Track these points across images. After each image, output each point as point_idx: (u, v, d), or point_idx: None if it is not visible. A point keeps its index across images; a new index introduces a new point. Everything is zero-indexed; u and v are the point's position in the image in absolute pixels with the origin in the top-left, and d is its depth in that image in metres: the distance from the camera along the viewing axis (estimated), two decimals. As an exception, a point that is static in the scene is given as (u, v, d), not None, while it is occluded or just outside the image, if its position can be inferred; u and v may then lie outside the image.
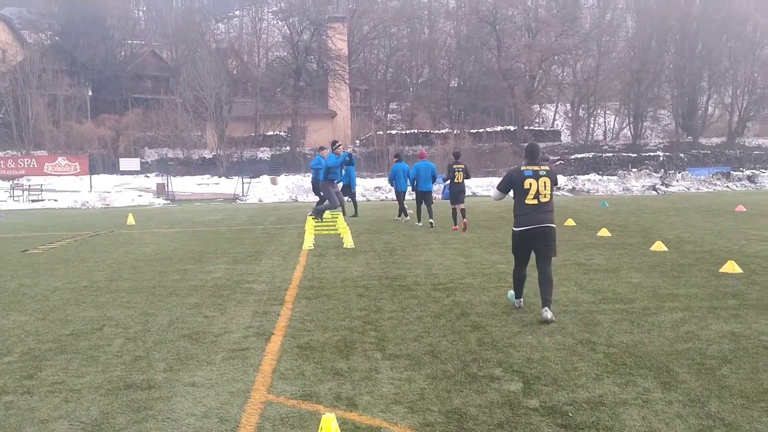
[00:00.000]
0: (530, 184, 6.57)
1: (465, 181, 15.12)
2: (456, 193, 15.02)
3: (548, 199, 6.63)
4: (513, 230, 6.81)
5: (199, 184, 40.19)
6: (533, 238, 6.63)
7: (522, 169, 6.71)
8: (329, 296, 7.70)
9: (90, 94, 56.02)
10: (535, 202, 6.58)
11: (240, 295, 7.91)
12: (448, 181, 15.18)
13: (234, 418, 4.09)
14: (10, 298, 8.01)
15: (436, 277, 8.86)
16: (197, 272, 9.62)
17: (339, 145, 15.30)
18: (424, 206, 15.90)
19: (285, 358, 5.31)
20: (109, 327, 6.45)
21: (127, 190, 35.58)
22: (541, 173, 6.63)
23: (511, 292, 7.17)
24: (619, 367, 4.91)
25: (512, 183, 6.73)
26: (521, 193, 6.64)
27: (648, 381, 4.60)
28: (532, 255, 6.76)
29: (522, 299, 7.03)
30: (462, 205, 14.98)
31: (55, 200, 30.44)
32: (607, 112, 63.34)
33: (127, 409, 4.27)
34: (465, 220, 14.75)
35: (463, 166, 15.17)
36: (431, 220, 15.57)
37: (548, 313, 6.38)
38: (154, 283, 8.83)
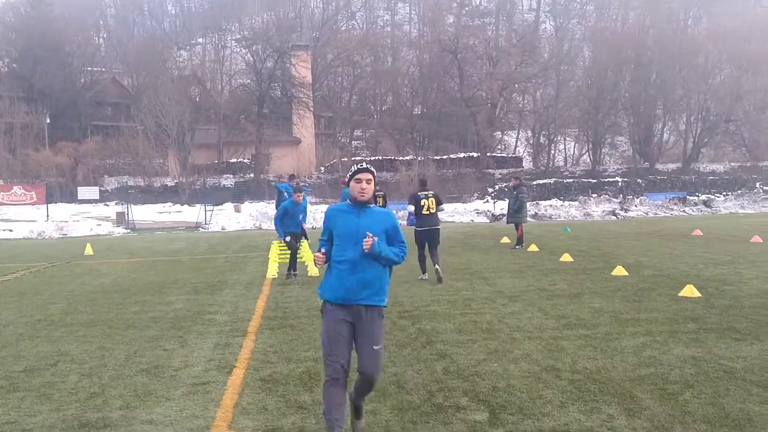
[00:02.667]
0: (424, 203, 11.00)
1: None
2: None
3: (434, 211, 11.07)
4: (416, 229, 11.10)
5: (160, 213, 39.50)
6: (427, 234, 10.98)
7: (419, 193, 11.16)
8: (293, 326, 7.58)
9: (48, 121, 54.90)
10: (428, 213, 11.02)
11: (201, 326, 7.73)
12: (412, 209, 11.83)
13: (193, 457, 3.95)
14: (-41, 334, 7.68)
15: (401, 304, 8.81)
16: (157, 303, 9.39)
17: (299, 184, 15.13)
18: None
19: (247, 392, 5.19)
20: (63, 363, 6.22)
21: (85, 219, 34.78)
22: (429, 196, 11.11)
23: (420, 276, 11.06)
24: (583, 394, 4.91)
25: (415, 201, 11.09)
26: (419, 208, 11.02)
27: (612, 408, 4.62)
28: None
29: (426, 273, 11.01)
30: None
31: (10, 230, 29.54)
32: (567, 138, 64.71)
33: (81, 449, 4.10)
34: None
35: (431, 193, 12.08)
36: None
37: (439, 271, 10.69)
38: (112, 315, 8.58)
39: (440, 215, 11.54)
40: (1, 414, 4.80)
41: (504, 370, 5.60)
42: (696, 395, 4.84)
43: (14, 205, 39.02)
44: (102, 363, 6.18)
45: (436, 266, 10.70)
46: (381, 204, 15.58)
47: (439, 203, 11.14)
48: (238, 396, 5.09)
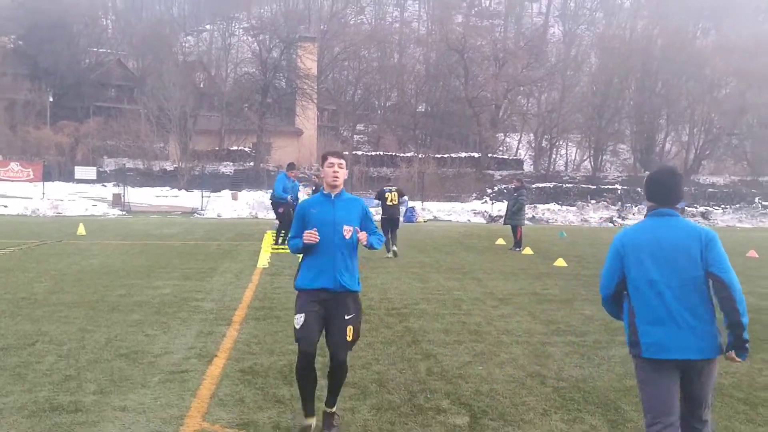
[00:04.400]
0: (388, 195, 13.83)
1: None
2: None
3: (396, 203, 13.87)
4: (381, 217, 13.75)
5: (157, 196, 39.35)
6: (389, 221, 13.76)
7: (384, 187, 14.19)
8: (279, 318, 7.47)
9: (51, 100, 54.67)
10: (391, 203, 13.82)
11: (186, 313, 7.62)
12: (405, 204, 15.99)
13: (162, 447, 3.85)
14: (-60, 308, 7.58)
15: (390, 301, 8.71)
16: (144, 287, 9.28)
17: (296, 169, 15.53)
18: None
19: (225, 383, 5.08)
20: (42, 343, 6.12)
21: (81, 198, 34.64)
22: (392, 189, 14.05)
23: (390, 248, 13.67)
24: (567, 403, 4.82)
25: (381, 195, 13.96)
26: (384, 200, 13.85)
27: (595, 418, 4.52)
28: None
29: (390, 251, 13.62)
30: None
31: (5, 206, 29.44)
32: (569, 143, 64.54)
33: (48, 433, 3.99)
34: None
35: (394, 188, 14.51)
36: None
37: (396, 250, 13.75)
38: (97, 297, 8.47)
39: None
40: (-28, 392, 4.70)
41: (488, 374, 5.50)
42: (681, 409, 4.73)
43: (11, 181, 38.82)
44: (81, 345, 6.07)
45: (394, 246, 13.70)
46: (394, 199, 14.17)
47: (401, 195, 14.19)
48: (216, 386, 4.98)
